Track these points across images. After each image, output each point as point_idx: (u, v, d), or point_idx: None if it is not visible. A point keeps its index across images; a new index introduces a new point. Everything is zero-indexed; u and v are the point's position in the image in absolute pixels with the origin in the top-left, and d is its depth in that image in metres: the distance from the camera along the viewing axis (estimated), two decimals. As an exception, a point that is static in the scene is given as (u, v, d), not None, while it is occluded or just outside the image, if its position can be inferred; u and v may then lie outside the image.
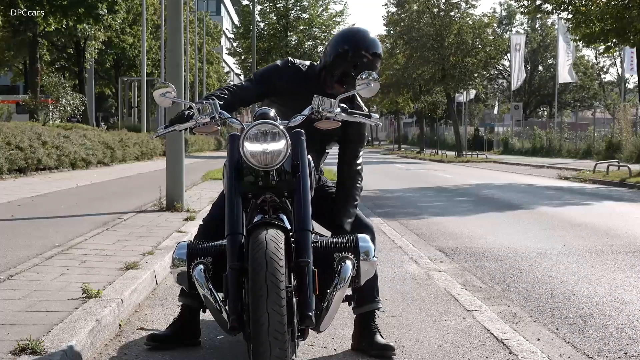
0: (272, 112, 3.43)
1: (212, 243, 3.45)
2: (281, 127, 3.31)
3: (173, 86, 3.72)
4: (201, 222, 3.99)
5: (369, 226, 3.90)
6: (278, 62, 4.00)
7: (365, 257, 3.43)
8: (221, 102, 3.59)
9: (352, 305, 3.85)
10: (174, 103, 3.71)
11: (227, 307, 3.19)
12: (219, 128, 3.64)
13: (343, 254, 3.39)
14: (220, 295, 3.26)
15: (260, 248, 3.02)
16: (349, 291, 3.62)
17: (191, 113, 3.59)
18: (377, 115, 3.85)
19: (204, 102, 3.56)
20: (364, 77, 3.60)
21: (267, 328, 2.91)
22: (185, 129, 3.66)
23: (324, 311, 3.27)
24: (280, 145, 3.26)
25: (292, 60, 3.98)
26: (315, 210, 3.37)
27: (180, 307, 4.06)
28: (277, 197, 3.40)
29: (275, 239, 3.07)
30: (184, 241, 3.59)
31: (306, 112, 3.55)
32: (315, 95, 3.54)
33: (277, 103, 3.86)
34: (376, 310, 4.00)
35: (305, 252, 3.18)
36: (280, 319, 2.92)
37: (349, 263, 3.34)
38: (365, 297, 3.84)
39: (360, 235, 3.51)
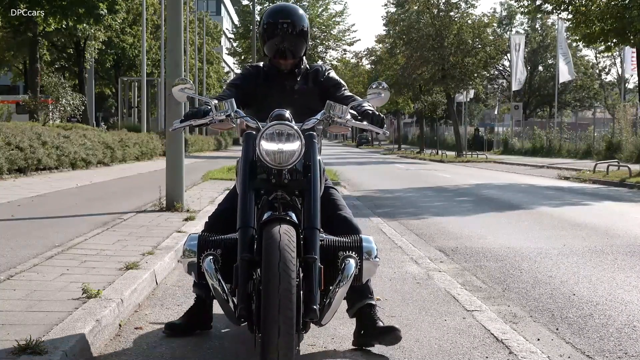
0: (288, 114, 3.58)
1: (222, 236, 3.59)
2: (296, 128, 3.45)
3: (191, 82, 3.89)
4: (207, 219, 4.12)
5: (358, 229, 3.91)
6: (242, 70, 4.32)
7: (368, 257, 3.58)
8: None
9: (346, 308, 3.98)
10: (190, 99, 3.90)
11: (234, 298, 3.33)
12: (234, 125, 3.81)
13: (347, 252, 3.53)
14: (228, 287, 3.40)
15: (274, 240, 3.17)
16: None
17: (208, 109, 3.73)
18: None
19: (221, 99, 3.76)
20: (374, 86, 3.83)
21: (277, 317, 3.04)
22: (201, 125, 3.81)
23: (326, 306, 3.43)
24: (294, 145, 3.42)
25: (248, 65, 4.34)
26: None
27: (194, 299, 4.24)
28: (287, 195, 3.54)
29: (287, 233, 3.22)
30: (195, 233, 3.73)
31: (319, 116, 3.71)
32: (327, 102, 3.71)
33: (253, 107, 4.07)
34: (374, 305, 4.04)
35: (313, 249, 3.34)
36: (290, 308, 3.06)
37: (352, 262, 3.48)
38: (360, 294, 3.94)
39: (364, 236, 3.66)
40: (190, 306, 4.33)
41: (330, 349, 4.04)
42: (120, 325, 4.37)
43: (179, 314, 4.68)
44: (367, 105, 3.89)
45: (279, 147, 3.42)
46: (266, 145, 3.42)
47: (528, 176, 23.37)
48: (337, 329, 4.43)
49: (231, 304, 3.39)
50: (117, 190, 13.38)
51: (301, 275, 3.29)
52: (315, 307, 3.25)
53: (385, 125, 3.85)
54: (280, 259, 3.12)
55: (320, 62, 4.33)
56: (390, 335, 3.93)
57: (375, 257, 3.63)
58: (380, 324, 3.98)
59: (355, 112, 3.80)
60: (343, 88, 4.15)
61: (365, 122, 3.79)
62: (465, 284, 6.08)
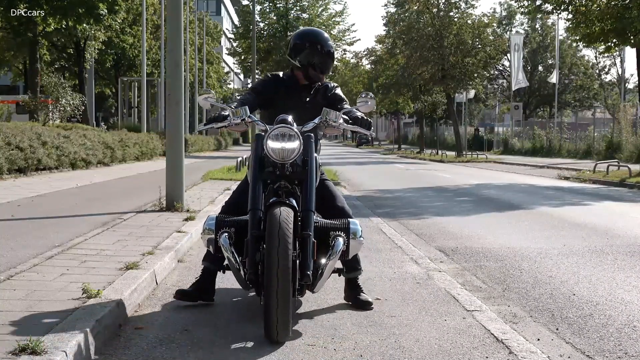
0: (290, 118, 4.42)
1: (235, 218, 4.42)
2: (296, 130, 4.30)
3: (213, 92, 4.79)
4: (223, 204, 4.97)
5: (349, 214, 4.74)
6: (263, 77, 5.16)
7: (354, 237, 4.40)
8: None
9: (343, 272, 4.88)
10: (213, 106, 4.70)
11: (245, 267, 4.14)
12: (247, 128, 4.71)
13: (337, 232, 4.36)
14: (240, 259, 4.21)
15: (276, 219, 3.98)
16: (339, 264, 4.64)
17: (226, 114, 4.56)
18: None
19: (237, 106, 4.58)
20: (363, 96, 4.76)
21: (277, 282, 3.87)
22: (221, 127, 4.61)
23: (318, 276, 4.23)
24: (295, 144, 4.27)
25: (270, 73, 5.12)
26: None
27: (202, 270, 4.96)
28: (289, 184, 4.38)
29: (286, 217, 4.02)
30: (213, 214, 4.57)
31: (316, 120, 4.53)
32: (324, 108, 4.52)
33: (269, 110, 4.87)
34: (358, 276, 5.02)
35: (308, 227, 4.17)
36: (287, 275, 3.90)
37: (340, 240, 4.32)
38: (351, 267, 4.89)
39: (351, 220, 4.50)
40: (197, 277, 5.02)
41: (330, 349, 4.04)
42: (120, 325, 4.37)
43: (178, 313, 4.72)
44: (357, 112, 4.71)
45: (282, 145, 4.26)
46: (272, 144, 4.27)
47: (528, 176, 23.37)
48: (337, 329, 4.44)
49: (242, 272, 4.19)
50: (117, 190, 13.38)
51: (298, 247, 4.08)
52: (308, 272, 4.06)
53: (371, 128, 4.63)
54: (280, 235, 3.90)
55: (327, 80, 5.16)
56: (364, 308, 4.86)
57: (360, 236, 4.44)
58: (361, 296, 4.94)
59: (347, 117, 4.60)
60: (344, 103, 4.96)
61: (355, 126, 4.58)
62: (465, 284, 6.08)
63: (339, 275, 4.84)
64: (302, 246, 4.11)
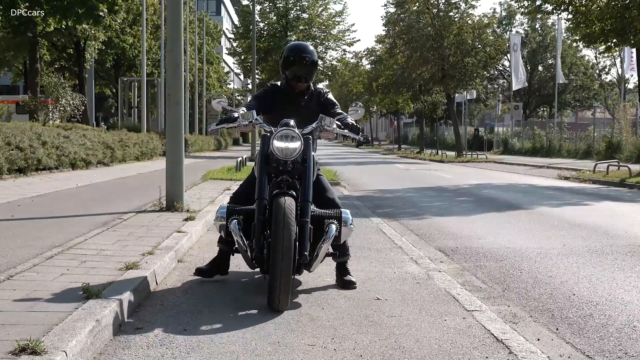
0: (292, 122, 5.14)
1: (243, 207, 5.14)
2: (298, 132, 5.04)
3: (225, 97, 5.52)
4: (232, 195, 5.64)
5: (339, 205, 5.38)
6: (264, 87, 5.87)
7: (345, 224, 5.14)
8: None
9: (335, 256, 5.57)
10: (224, 109, 5.42)
11: (253, 248, 4.82)
12: (254, 129, 5.44)
13: (330, 220, 5.08)
14: (247, 242, 4.92)
15: (281, 210, 4.68)
16: (332, 250, 5.37)
17: (236, 117, 5.32)
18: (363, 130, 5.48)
19: (247, 108, 5.38)
20: (353, 105, 5.61)
21: (280, 261, 4.57)
22: (231, 127, 5.36)
23: (314, 258, 4.98)
24: (296, 144, 5.03)
25: (269, 83, 5.88)
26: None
27: (218, 251, 5.73)
28: (290, 178, 5.08)
29: (290, 205, 4.75)
30: (224, 204, 5.34)
31: (314, 125, 5.29)
32: (320, 115, 5.30)
33: (270, 114, 5.56)
34: (347, 260, 5.72)
35: (306, 215, 4.89)
36: (289, 255, 4.60)
37: (333, 226, 5.05)
38: (342, 253, 5.59)
39: (343, 210, 5.24)
40: (214, 257, 5.80)
41: (330, 349, 4.04)
42: (120, 325, 4.37)
43: (178, 313, 4.73)
44: (349, 118, 5.50)
45: (286, 145, 5.01)
46: (277, 144, 5.02)
47: (528, 176, 23.37)
48: (337, 329, 4.44)
49: (249, 253, 4.90)
50: (117, 190, 13.37)
51: (297, 232, 4.76)
52: (305, 253, 4.80)
53: (360, 133, 5.43)
54: (284, 219, 4.62)
55: (321, 85, 5.36)
56: (347, 287, 5.53)
57: (351, 224, 5.19)
58: (346, 277, 5.62)
59: (339, 123, 5.38)
60: (336, 107, 5.71)
61: (346, 130, 5.39)
62: (465, 284, 6.08)
63: (333, 259, 5.59)
64: (301, 231, 4.82)
